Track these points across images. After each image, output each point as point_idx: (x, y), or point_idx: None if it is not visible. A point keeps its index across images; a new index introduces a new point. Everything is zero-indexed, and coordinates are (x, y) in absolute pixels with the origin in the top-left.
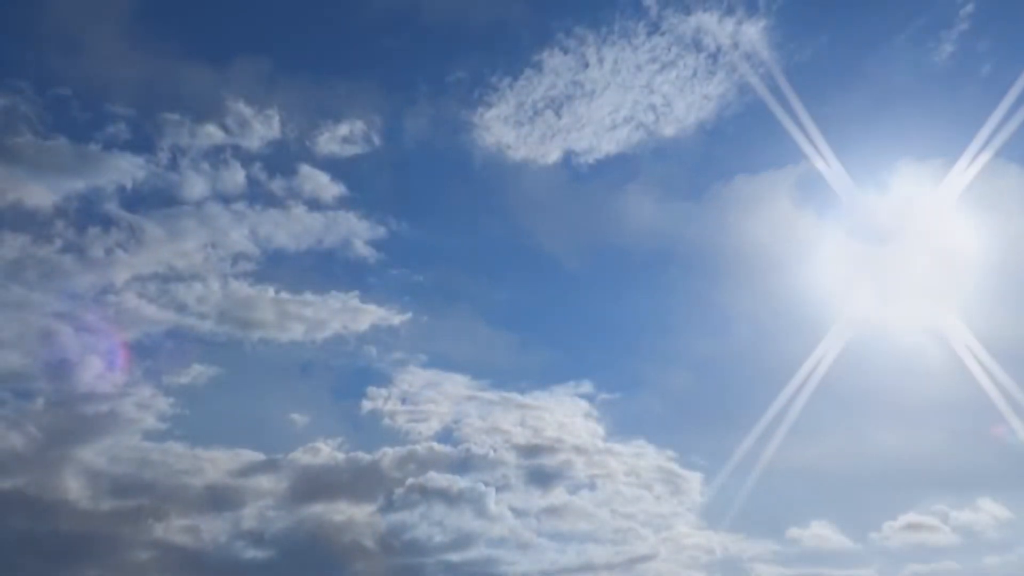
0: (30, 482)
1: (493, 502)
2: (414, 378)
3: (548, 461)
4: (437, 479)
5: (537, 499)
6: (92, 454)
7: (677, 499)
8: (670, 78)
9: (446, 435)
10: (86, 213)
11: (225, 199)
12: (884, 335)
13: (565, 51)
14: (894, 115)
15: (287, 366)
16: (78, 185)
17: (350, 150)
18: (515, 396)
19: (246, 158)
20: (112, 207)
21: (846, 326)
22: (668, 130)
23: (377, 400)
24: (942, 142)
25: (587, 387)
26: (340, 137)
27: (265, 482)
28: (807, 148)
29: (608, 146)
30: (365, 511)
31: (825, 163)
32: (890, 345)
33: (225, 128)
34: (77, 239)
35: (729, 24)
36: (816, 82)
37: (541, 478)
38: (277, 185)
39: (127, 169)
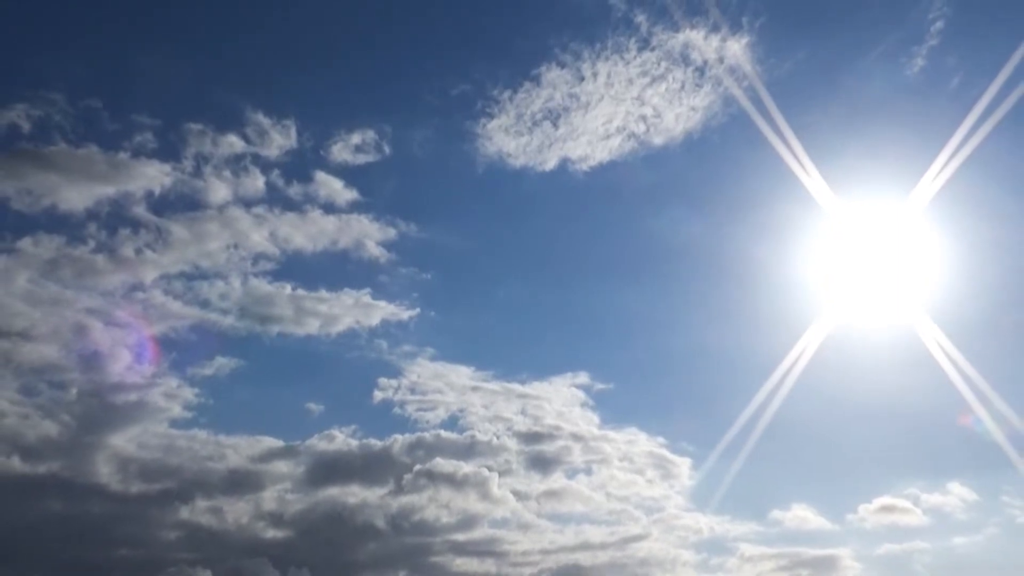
0: (64, 467)
1: (496, 486)
2: (422, 370)
3: (547, 447)
4: (444, 464)
5: (537, 483)
6: (122, 441)
7: (668, 483)
8: (660, 91)
9: (452, 423)
10: (116, 216)
11: (246, 203)
12: (860, 331)
13: (562, 66)
14: (868, 125)
15: (304, 358)
16: (109, 190)
17: (362, 158)
18: (516, 387)
19: (265, 165)
20: (140, 211)
21: (825, 323)
22: (658, 139)
23: (388, 390)
24: (913, 151)
25: (583, 378)
26: (353, 146)
27: (283, 467)
28: (787, 156)
29: (602, 154)
30: (377, 494)
31: (804, 170)
32: (865, 340)
33: (246, 138)
34: (108, 240)
35: (715, 40)
36: (796, 94)
37: (541, 463)
38: (294, 190)
39: (154, 175)
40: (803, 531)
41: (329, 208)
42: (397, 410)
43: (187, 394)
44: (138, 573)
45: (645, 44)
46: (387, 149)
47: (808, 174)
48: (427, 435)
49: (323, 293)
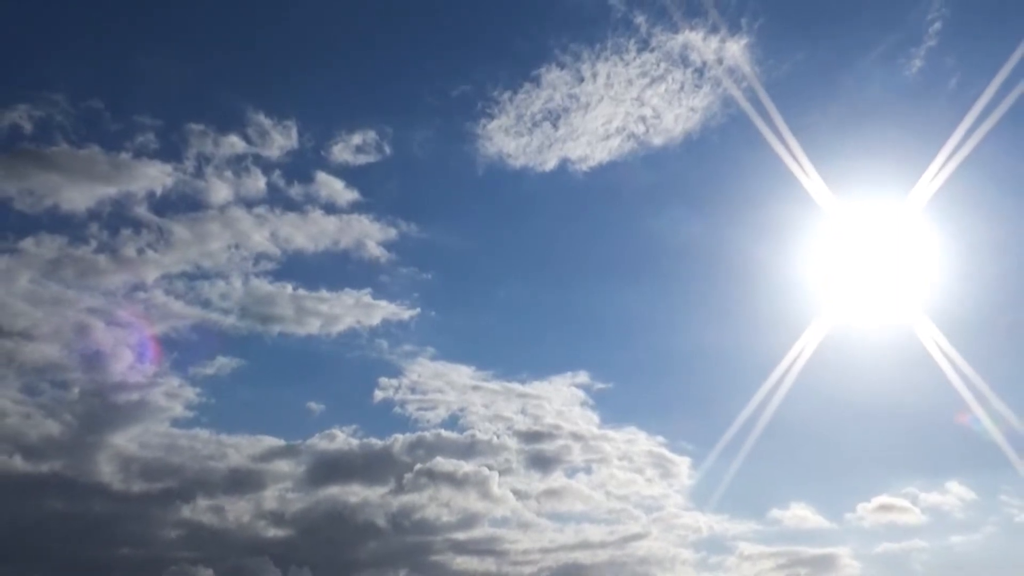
0: (66, 466)
1: (496, 485)
2: (423, 369)
3: (547, 446)
4: (444, 463)
5: (537, 482)
6: (124, 440)
7: (667, 482)
8: (659, 92)
9: (452, 422)
10: (118, 216)
11: (247, 204)
12: (859, 331)
13: (562, 66)
14: (867, 126)
15: (305, 358)
16: (110, 191)
17: (363, 158)
18: (516, 386)
19: (266, 166)
20: (142, 211)
21: (823, 323)
22: (657, 140)
23: (388, 390)
24: (912, 151)
25: (583, 377)
26: (354, 146)
27: (284, 466)
28: (786, 157)
29: (601, 155)
30: (377, 493)
31: (803, 171)
32: (864, 340)
33: (247, 138)
34: (110, 240)
35: (714, 41)
36: (795, 95)
37: (541, 462)
38: (295, 191)
39: (156, 176)
40: (802, 530)
41: (330, 208)
42: (397, 409)
43: (188, 393)
44: (139, 572)
45: (644, 45)
46: (388, 149)
47: (807, 174)
48: (427, 434)
49: (324, 293)
